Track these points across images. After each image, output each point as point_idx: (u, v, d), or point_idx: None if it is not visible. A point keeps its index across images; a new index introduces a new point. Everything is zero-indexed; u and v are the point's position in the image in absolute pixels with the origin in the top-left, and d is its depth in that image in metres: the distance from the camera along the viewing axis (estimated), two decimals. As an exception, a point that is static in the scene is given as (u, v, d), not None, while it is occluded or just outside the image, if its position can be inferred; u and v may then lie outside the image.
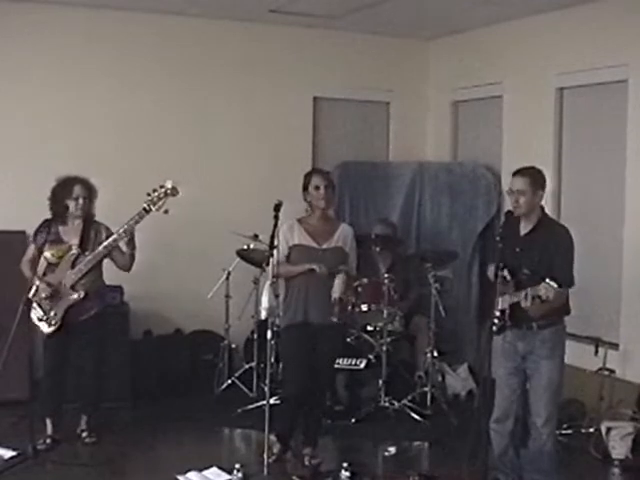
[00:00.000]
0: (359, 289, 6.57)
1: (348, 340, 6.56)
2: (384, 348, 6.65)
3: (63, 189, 5.71)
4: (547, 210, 5.00)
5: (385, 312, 6.65)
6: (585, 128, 6.96)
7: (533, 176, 4.80)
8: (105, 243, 5.66)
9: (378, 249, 6.99)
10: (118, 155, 7.33)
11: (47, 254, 5.59)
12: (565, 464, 5.12)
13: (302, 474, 5.31)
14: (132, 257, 5.74)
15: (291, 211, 5.54)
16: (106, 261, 5.79)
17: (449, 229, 7.92)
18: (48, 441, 5.68)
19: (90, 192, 5.75)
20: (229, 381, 7.07)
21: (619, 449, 5.65)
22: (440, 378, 7.20)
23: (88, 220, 5.77)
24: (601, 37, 6.56)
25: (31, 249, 5.77)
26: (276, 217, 5.33)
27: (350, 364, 6.56)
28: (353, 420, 6.44)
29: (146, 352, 7.12)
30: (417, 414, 6.53)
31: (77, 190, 5.68)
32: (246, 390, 6.96)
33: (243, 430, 6.35)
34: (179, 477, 5.17)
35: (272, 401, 5.50)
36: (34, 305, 5.61)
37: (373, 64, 8.28)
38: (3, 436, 5.66)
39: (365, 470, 5.39)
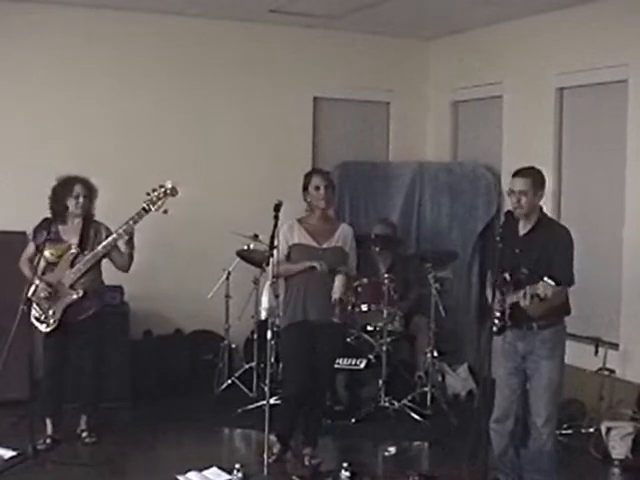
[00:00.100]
0: (359, 289, 6.57)
1: (348, 340, 6.56)
2: (384, 348, 6.65)
3: (64, 188, 5.71)
4: (547, 210, 5.00)
5: (385, 312, 6.65)
6: (585, 128, 6.96)
7: (534, 176, 4.80)
8: (104, 243, 5.66)
9: (378, 249, 6.99)
10: (118, 155, 7.33)
11: (46, 253, 5.59)
12: (565, 464, 5.12)
13: (302, 474, 5.31)
14: (131, 257, 5.73)
15: (291, 211, 5.54)
16: (106, 261, 5.79)
17: (449, 229, 7.92)
18: (48, 441, 5.68)
19: (90, 191, 5.76)
20: (229, 381, 7.07)
21: (619, 449, 5.65)
22: (440, 378, 7.21)
23: (88, 219, 5.77)
24: (601, 37, 6.56)
25: (30, 247, 5.77)
26: (276, 217, 5.33)
27: (350, 364, 6.56)
28: (353, 420, 6.44)
29: (146, 352, 7.12)
30: (417, 414, 6.53)
31: (77, 189, 5.69)
32: (246, 390, 6.96)
33: (243, 430, 6.35)
34: (179, 477, 5.17)
35: (272, 401, 5.50)
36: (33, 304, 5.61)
37: (373, 64, 8.28)
38: (3, 436, 5.66)
39: (365, 470, 5.39)
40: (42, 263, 5.61)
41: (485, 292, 5.16)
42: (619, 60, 6.41)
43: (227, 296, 7.16)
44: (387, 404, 6.60)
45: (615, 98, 6.57)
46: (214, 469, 5.27)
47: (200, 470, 5.24)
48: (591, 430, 5.94)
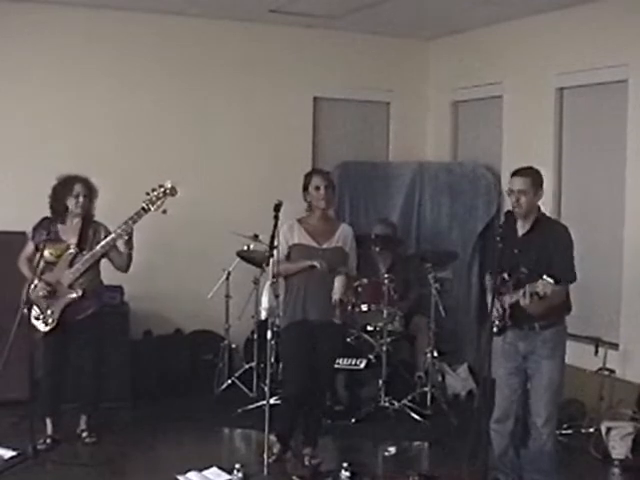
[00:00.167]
0: (359, 289, 6.58)
1: (348, 340, 6.56)
2: (384, 348, 6.65)
3: (64, 187, 5.71)
4: (547, 210, 5.00)
5: (385, 312, 6.65)
6: (585, 128, 6.96)
7: (533, 176, 4.80)
8: (103, 242, 5.65)
9: (378, 249, 6.99)
10: (118, 155, 7.33)
11: (45, 253, 5.58)
12: (565, 464, 5.12)
13: (302, 474, 5.31)
14: (130, 257, 5.72)
15: (291, 211, 5.54)
16: (105, 261, 5.79)
17: (449, 229, 7.92)
18: (48, 441, 5.68)
19: (91, 191, 5.75)
20: (229, 381, 7.06)
21: (619, 449, 5.65)
22: (440, 378, 7.21)
23: (87, 219, 5.77)
24: (601, 37, 6.56)
25: (29, 247, 5.77)
26: (276, 217, 5.32)
27: (350, 364, 6.56)
28: (353, 420, 6.45)
29: (146, 352, 7.12)
30: (417, 414, 6.53)
31: (78, 188, 5.69)
32: (246, 390, 6.97)
33: (243, 430, 6.35)
34: (179, 477, 5.17)
35: (272, 401, 5.49)
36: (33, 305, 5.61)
37: (373, 64, 8.29)
38: (3, 436, 5.66)
39: (365, 470, 5.39)
40: (41, 263, 5.61)
41: (485, 295, 5.16)
42: (619, 60, 6.41)
43: (227, 296, 7.16)
44: (387, 404, 6.60)
45: (615, 98, 6.57)
46: (214, 469, 5.27)
47: (200, 470, 5.24)
48: (591, 430, 5.94)
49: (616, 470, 5.60)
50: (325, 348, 5.48)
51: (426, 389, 6.79)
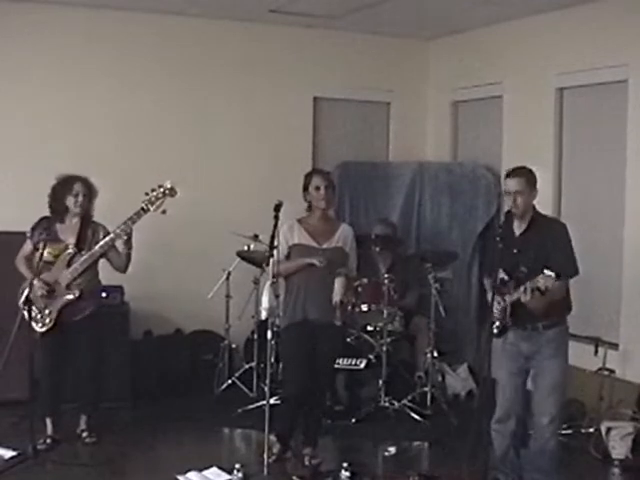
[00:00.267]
0: (359, 289, 6.58)
1: (348, 340, 6.56)
2: (384, 348, 6.65)
3: (63, 187, 5.70)
4: (548, 210, 5.01)
5: (385, 312, 6.65)
6: (585, 128, 6.96)
7: (527, 176, 4.82)
8: (102, 242, 5.64)
9: (378, 249, 7.00)
10: (118, 155, 7.33)
11: (43, 252, 5.57)
12: (565, 464, 5.11)
13: (302, 474, 5.31)
14: (128, 257, 5.71)
15: (291, 211, 5.54)
16: (105, 261, 5.78)
17: (449, 229, 7.92)
18: (48, 441, 5.68)
19: (90, 190, 5.75)
20: (229, 381, 7.06)
21: (619, 449, 5.65)
22: (440, 378, 7.21)
23: (86, 219, 5.77)
24: (601, 37, 6.56)
25: (27, 246, 5.76)
26: (276, 217, 5.32)
27: (350, 364, 6.56)
28: (353, 420, 6.45)
29: (146, 352, 7.12)
30: (417, 414, 6.53)
31: (77, 187, 5.68)
32: (246, 390, 6.96)
33: (243, 430, 6.34)
34: (179, 477, 5.17)
35: (272, 401, 5.49)
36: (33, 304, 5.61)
37: (373, 64, 8.29)
38: (3, 436, 5.66)
39: (365, 470, 5.39)
40: (38, 262, 5.60)
41: (485, 295, 5.16)
42: (619, 60, 6.40)
43: (227, 296, 7.17)
44: (387, 404, 6.60)
45: (615, 98, 6.56)
46: (214, 469, 5.27)
47: (200, 470, 5.24)
48: (591, 430, 5.94)
49: (616, 470, 5.60)
50: (325, 349, 5.48)
51: (426, 389, 6.79)
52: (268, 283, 6.21)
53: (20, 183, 6.94)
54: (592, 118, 6.87)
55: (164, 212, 5.61)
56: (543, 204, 4.93)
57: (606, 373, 6.09)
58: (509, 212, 4.84)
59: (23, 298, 5.58)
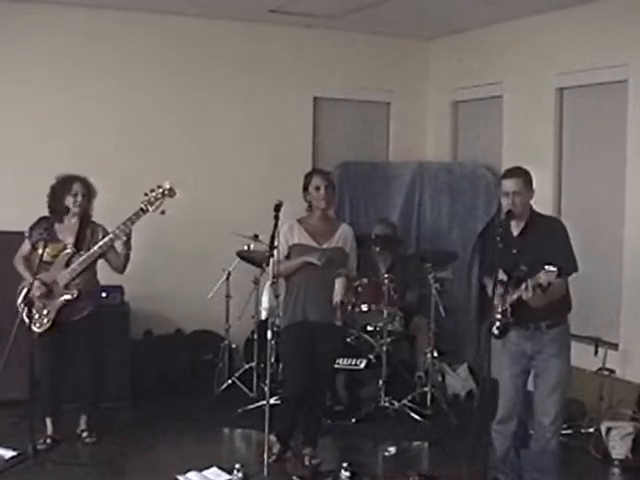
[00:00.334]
0: (359, 289, 6.58)
1: (348, 340, 6.56)
2: (384, 348, 6.65)
3: (62, 186, 5.70)
4: (548, 210, 5.00)
5: (385, 312, 6.65)
6: (585, 128, 6.96)
7: (524, 176, 4.83)
8: (100, 243, 5.63)
9: (378, 249, 6.99)
10: (118, 155, 7.33)
11: (41, 252, 5.56)
12: (565, 464, 5.10)
13: (302, 474, 5.31)
14: (127, 257, 5.70)
15: (291, 211, 5.54)
16: (103, 262, 5.78)
17: (449, 229, 7.92)
18: (48, 441, 5.68)
19: (89, 190, 5.75)
20: (229, 381, 7.06)
21: (619, 449, 5.65)
22: (440, 378, 7.21)
23: (85, 219, 5.76)
24: (601, 37, 6.56)
25: (26, 246, 5.76)
26: (276, 217, 5.32)
27: (350, 364, 6.56)
28: (353, 420, 6.45)
29: (146, 352, 7.12)
30: (417, 414, 6.53)
31: (76, 187, 5.68)
32: (246, 390, 6.96)
33: (243, 430, 6.34)
34: (179, 477, 5.17)
35: (272, 401, 5.49)
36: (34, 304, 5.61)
37: (373, 64, 8.28)
38: (3, 436, 5.66)
39: (365, 470, 5.39)
40: (37, 262, 5.59)
41: (484, 295, 5.16)
42: (619, 60, 6.40)
43: (227, 296, 7.17)
44: (387, 404, 6.60)
45: (615, 98, 6.56)
46: (214, 469, 5.27)
47: (200, 470, 5.24)
48: (591, 430, 5.94)
49: (616, 470, 5.60)
50: (325, 349, 5.48)
51: (426, 389, 6.79)
52: (268, 283, 6.21)
53: (20, 183, 6.93)
54: (592, 118, 6.87)
55: (163, 213, 5.60)
56: (543, 204, 4.93)
57: (606, 373, 6.09)
58: (509, 212, 4.83)
59: (21, 298, 5.59)
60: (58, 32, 7.21)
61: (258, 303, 7.10)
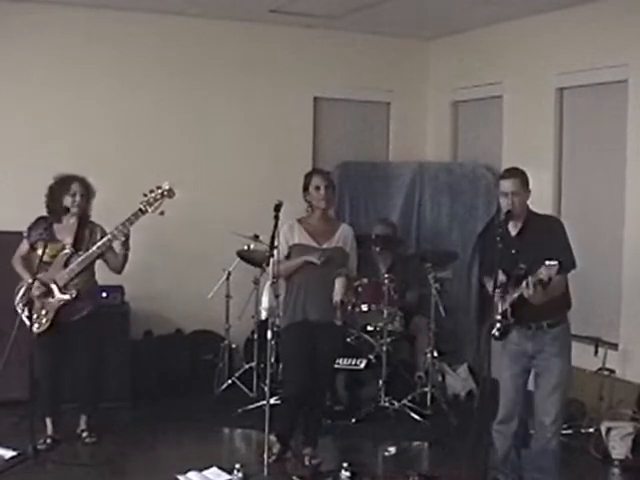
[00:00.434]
0: (359, 289, 6.58)
1: (348, 340, 6.56)
2: (384, 348, 6.65)
3: (61, 186, 5.69)
4: (548, 210, 5.00)
5: (385, 312, 6.65)
6: (585, 128, 6.95)
7: (521, 176, 4.84)
8: (99, 243, 5.63)
9: (378, 249, 7.00)
10: (118, 155, 7.33)
11: (40, 252, 5.55)
12: (565, 464, 5.11)
13: (302, 474, 5.31)
14: (125, 258, 5.70)
15: (291, 211, 5.54)
16: (101, 262, 5.77)
17: (449, 229, 7.92)
18: (48, 441, 5.67)
19: (88, 190, 5.74)
20: (229, 381, 7.06)
21: (619, 449, 5.65)
22: (440, 378, 7.21)
23: (83, 219, 5.76)
24: (601, 37, 6.56)
25: (24, 246, 5.75)
26: (276, 217, 5.32)
27: (350, 364, 6.56)
28: (353, 420, 6.45)
29: (146, 352, 7.12)
30: (417, 414, 6.53)
31: (75, 187, 5.67)
32: (246, 390, 6.96)
33: (243, 430, 6.34)
34: (179, 477, 5.17)
35: (272, 401, 5.49)
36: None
37: (373, 64, 8.28)
38: (3, 436, 5.66)
39: (365, 470, 5.39)
40: (36, 262, 5.59)
41: (484, 295, 5.16)
42: (619, 60, 6.40)
43: (227, 296, 7.17)
44: (387, 404, 6.60)
45: (615, 98, 6.56)
46: (214, 469, 5.27)
47: (200, 470, 5.24)
48: (591, 430, 5.94)
49: (616, 470, 5.60)
50: (325, 349, 5.48)
51: (426, 389, 6.79)
52: (268, 283, 6.21)
53: (20, 183, 6.93)
54: (592, 118, 6.87)
55: (162, 213, 5.60)
56: (543, 204, 4.94)
57: (606, 373, 6.09)
58: (508, 212, 4.83)
59: (19, 298, 5.59)
60: (58, 32, 7.21)
61: (258, 303, 7.10)
